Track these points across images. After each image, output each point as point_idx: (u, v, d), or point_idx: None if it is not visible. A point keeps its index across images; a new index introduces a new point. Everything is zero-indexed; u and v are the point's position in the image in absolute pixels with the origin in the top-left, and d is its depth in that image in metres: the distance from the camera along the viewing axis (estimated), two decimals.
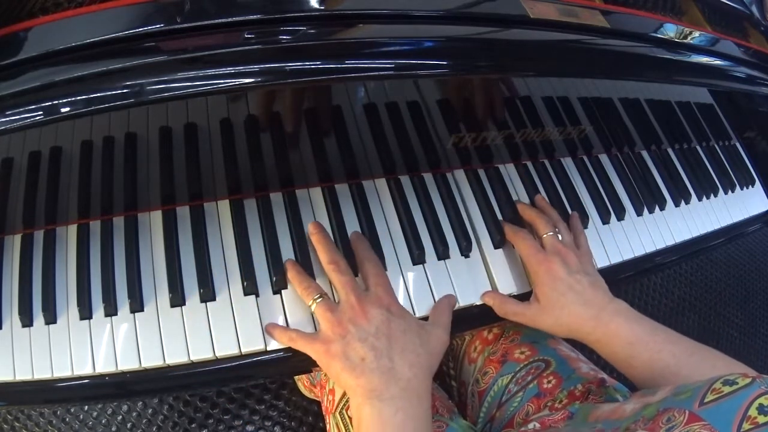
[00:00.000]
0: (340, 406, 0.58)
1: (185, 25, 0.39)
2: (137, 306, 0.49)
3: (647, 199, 0.71)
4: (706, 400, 0.32)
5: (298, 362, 0.50)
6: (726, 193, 0.83)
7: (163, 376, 0.48)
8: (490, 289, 0.57)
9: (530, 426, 0.51)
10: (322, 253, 0.51)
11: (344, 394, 0.59)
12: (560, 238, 0.57)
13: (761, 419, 0.29)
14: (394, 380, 0.44)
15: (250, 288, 0.51)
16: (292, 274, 0.51)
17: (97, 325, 0.48)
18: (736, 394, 0.31)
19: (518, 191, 0.65)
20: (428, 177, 0.61)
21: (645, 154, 0.77)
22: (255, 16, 0.41)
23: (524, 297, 0.58)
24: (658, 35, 0.59)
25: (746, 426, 0.29)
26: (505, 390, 0.60)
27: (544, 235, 0.56)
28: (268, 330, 0.50)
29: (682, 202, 0.76)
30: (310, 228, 0.53)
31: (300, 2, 0.43)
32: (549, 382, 0.59)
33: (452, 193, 0.61)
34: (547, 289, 0.53)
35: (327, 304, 0.48)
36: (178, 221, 0.53)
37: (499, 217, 0.61)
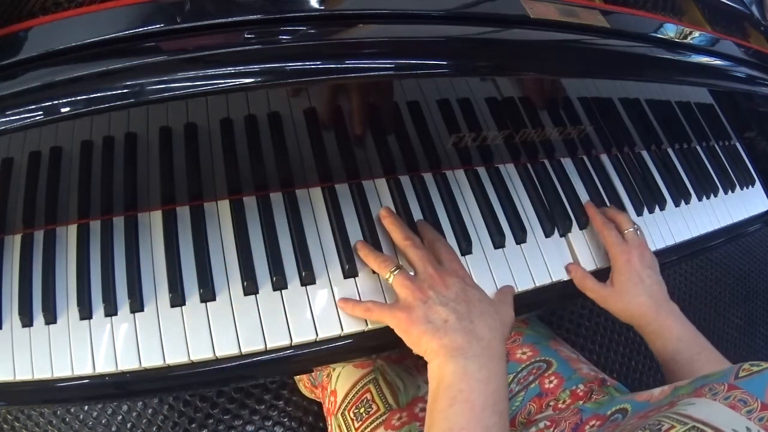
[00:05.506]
0: (342, 407, 0.58)
1: (185, 25, 0.39)
2: (137, 306, 0.49)
3: (647, 199, 0.71)
4: (740, 375, 0.37)
5: (299, 362, 0.50)
6: (726, 193, 0.83)
7: (163, 376, 0.48)
8: (492, 289, 0.57)
9: (541, 425, 0.51)
10: (396, 232, 0.54)
11: (346, 395, 0.59)
12: (638, 234, 0.62)
13: None
14: (476, 340, 0.46)
15: (250, 288, 0.50)
16: (364, 252, 0.53)
17: (97, 325, 0.48)
18: (764, 372, 0.37)
19: (518, 191, 0.65)
20: (428, 177, 0.61)
21: (645, 154, 0.77)
22: (255, 16, 0.41)
23: (524, 296, 0.58)
24: (658, 35, 0.59)
25: None
26: None
27: (627, 231, 0.62)
28: (340, 305, 0.51)
29: (682, 202, 0.76)
30: (381, 212, 0.56)
31: (300, 2, 0.43)
32: (551, 382, 0.59)
33: (452, 193, 0.61)
34: (624, 278, 0.59)
35: (405, 274, 0.50)
36: (178, 221, 0.53)
37: (500, 216, 0.61)
